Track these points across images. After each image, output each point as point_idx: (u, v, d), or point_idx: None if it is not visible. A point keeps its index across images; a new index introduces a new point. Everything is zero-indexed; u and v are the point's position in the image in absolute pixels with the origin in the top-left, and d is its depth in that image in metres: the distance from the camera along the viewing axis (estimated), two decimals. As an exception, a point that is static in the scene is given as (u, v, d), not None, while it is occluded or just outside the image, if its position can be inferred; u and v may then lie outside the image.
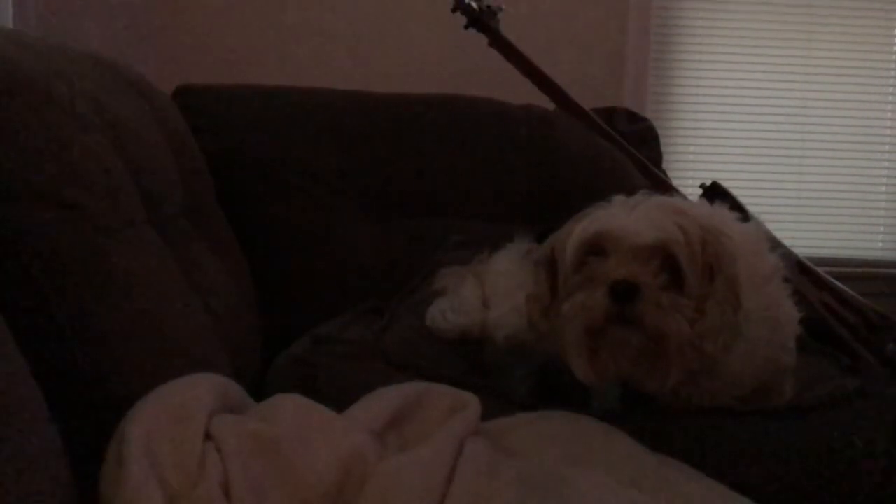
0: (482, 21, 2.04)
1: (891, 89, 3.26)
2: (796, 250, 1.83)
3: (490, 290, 1.48)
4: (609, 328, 1.06)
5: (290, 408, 0.90)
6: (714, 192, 1.86)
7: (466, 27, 2.08)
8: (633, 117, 2.42)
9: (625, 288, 1.04)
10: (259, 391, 1.01)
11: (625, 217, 1.08)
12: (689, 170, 3.10)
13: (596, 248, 1.09)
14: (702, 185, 1.92)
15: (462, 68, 2.69)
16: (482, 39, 2.09)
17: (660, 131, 2.44)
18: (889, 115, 3.27)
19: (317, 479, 0.78)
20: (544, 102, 2.13)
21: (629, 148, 1.99)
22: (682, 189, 1.96)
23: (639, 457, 1.03)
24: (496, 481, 0.86)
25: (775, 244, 1.49)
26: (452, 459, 0.85)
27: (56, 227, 1.01)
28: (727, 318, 1.09)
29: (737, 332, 1.13)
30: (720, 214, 1.36)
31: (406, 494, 0.80)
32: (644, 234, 1.05)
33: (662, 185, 1.93)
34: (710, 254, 1.08)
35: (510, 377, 1.35)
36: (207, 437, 0.81)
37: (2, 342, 0.76)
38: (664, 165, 2.31)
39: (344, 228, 1.87)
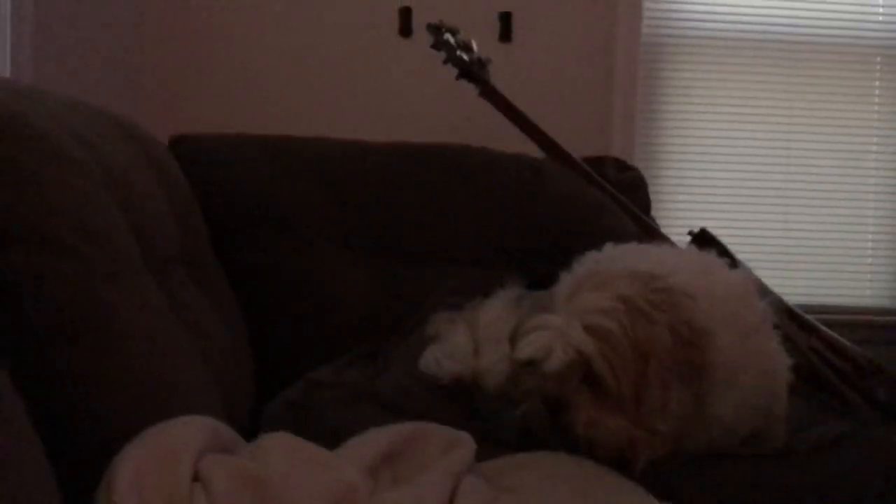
0: (472, 72, 2.08)
1: (874, 138, 3.31)
2: (784, 298, 1.85)
3: (481, 337, 1.49)
4: (552, 437, 1.13)
5: (279, 445, 0.90)
6: (702, 239, 1.89)
7: (458, 78, 2.12)
8: (622, 166, 2.45)
9: (552, 403, 1.12)
10: (253, 436, 1.01)
11: (544, 336, 1.13)
12: (677, 217, 3.13)
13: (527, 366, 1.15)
14: (690, 233, 1.94)
15: (453, 118, 2.73)
16: (473, 90, 2.13)
17: (648, 180, 2.47)
18: (873, 162, 3.32)
19: (305, 514, 0.78)
20: (534, 151, 2.17)
21: (619, 196, 2.02)
22: (670, 236, 1.99)
23: (635, 495, 1.04)
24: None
25: (764, 291, 1.51)
26: (448, 494, 0.85)
27: (53, 273, 1.02)
28: (673, 394, 1.13)
29: (704, 397, 1.17)
30: (707, 262, 1.38)
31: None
32: (555, 359, 1.11)
33: (651, 233, 1.96)
34: (641, 341, 1.12)
35: (501, 422, 1.35)
36: (196, 478, 0.81)
37: (7, 399, 0.76)
38: (653, 213, 2.34)
39: (335, 275, 1.88)
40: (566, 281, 1.30)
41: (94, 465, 0.87)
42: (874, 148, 3.32)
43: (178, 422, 0.87)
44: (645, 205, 2.30)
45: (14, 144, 1.04)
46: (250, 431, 1.29)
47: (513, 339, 1.21)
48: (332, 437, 0.99)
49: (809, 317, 1.84)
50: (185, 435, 0.84)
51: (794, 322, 1.75)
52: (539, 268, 1.62)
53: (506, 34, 3.05)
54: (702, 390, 1.17)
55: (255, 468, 0.83)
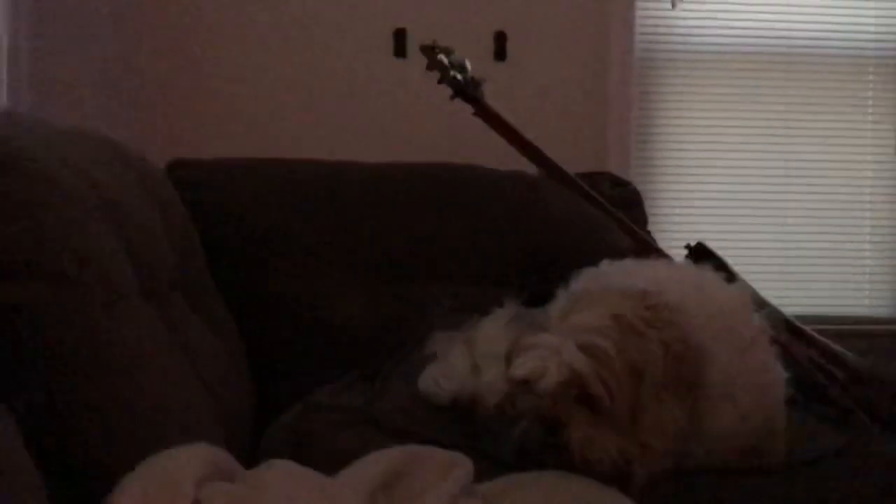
0: (466, 92, 2.09)
1: (869, 147, 3.33)
2: (782, 309, 1.85)
3: (479, 356, 1.49)
4: (548, 456, 1.14)
5: (279, 474, 0.91)
6: (699, 253, 1.89)
7: (452, 98, 2.14)
8: (618, 181, 2.46)
9: (548, 422, 1.13)
10: (251, 460, 1.02)
11: (539, 356, 1.14)
12: (673, 231, 3.14)
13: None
14: (687, 246, 1.94)
15: (449, 137, 2.74)
16: (468, 109, 2.15)
17: (644, 194, 2.48)
18: (868, 172, 3.33)
19: (307, 543, 0.79)
20: (530, 168, 2.18)
21: (615, 212, 2.03)
22: (667, 251, 1.99)
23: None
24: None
25: (761, 304, 1.51)
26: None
27: (50, 303, 1.03)
28: (668, 411, 1.14)
29: (700, 413, 1.18)
30: (702, 278, 1.39)
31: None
32: (549, 379, 1.12)
33: (648, 248, 1.96)
34: (634, 359, 1.13)
35: (499, 441, 1.35)
36: (197, 505, 0.81)
37: (4, 429, 0.77)
38: (649, 227, 2.35)
39: (333, 296, 1.88)
40: (562, 299, 1.31)
41: (93, 495, 0.87)
42: (869, 157, 3.33)
43: (179, 450, 0.88)
44: (641, 220, 2.30)
45: (9, 175, 1.05)
46: (249, 455, 1.29)
47: (509, 358, 1.21)
48: (331, 461, 1.00)
49: (808, 328, 1.84)
50: (186, 463, 0.85)
51: (792, 334, 1.75)
52: (537, 285, 1.63)
53: (500, 53, 3.07)
54: (698, 406, 1.18)
55: (255, 496, 0.84)
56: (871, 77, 3.32)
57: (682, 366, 1.15)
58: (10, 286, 1.00)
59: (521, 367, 1.15)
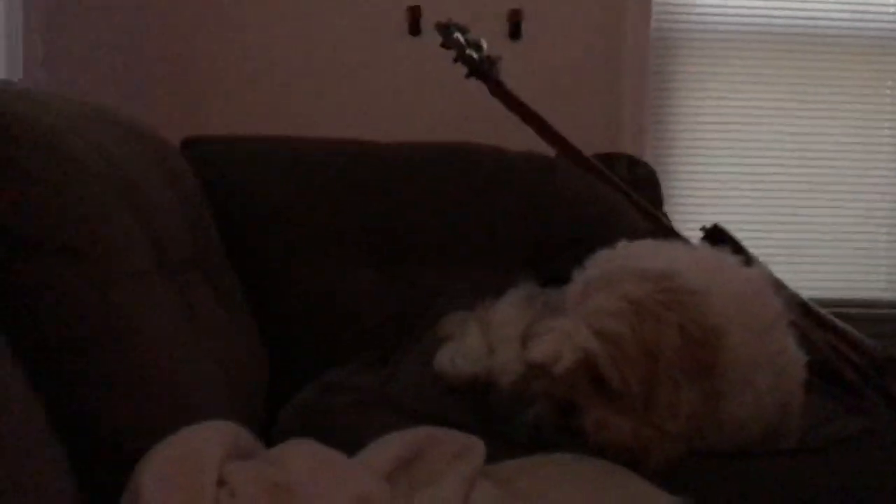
0: (482, 71, 2.08)
1: (887, 129, 3.30)
2: (799, 292, 1.84)
3: (494, 336, 1.49)
4: (562, 440, 1.15)
5: (302, 453, 0.91)
6: (715, 235, 1.88)
7: (468, 76, 2.12)
8: (634, 162, 2.45)
9: (563, 406, 1.13)
10: (266, 440, 1.02)
11: (553, 340, 1.14)
12: (689, 213, 3.12)
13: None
14: (703, 228, 1.93)
15: (464, 116, 2.73)
16: (484, 88, 2.13)
17: (660, 175, 2.47)
18: (887, 154, 3.30)
19: (331, 523, 0.79)
20: (545, 149, 2.16)
21: (631, 193, 2.02)
22: (683, 232, 1.98)
23: (650, 496, 1.04)
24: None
25: (779, 287, 1.50)
26: (463, 501, 0.86)
27: (67, 278, 1.03)
28: (684, 394, 1.13)
29: (717, 397, 1.17)
30: (720, 260, 1.37)
31: (421, 534, 0.81)
32: (563, 363, 1.11)
33: (664, 230, 1.95)
34: (649, 342, 1.12)
35: (515, 422, 1.35)
36: (220, 483, 0.81)
37: (20, 392, 0.77)
38: (665, 209, 2.33)
39: (347, 278, 1.88)
40: (578, 281, 1.30)
41: (112, 470, 0.88)
42: (887, 139, 3.30)
43: (201, 427, 0.88)
44: (657, 201, 2.29)
45: (26, 149, 1.05)
46: (262, 434, 1.29)
47: (524, 340, 1.21)
48: (346, 442, 0.99)
49: (824, 311, 1.83)
50: (209, 440, 0.85)
51: (809, 317, 1.74)
52: (552, 267, 1.62)
53: (515, 32, 3.05)
54: (714, 389, 1.17)
55: (278, 474, 0.84)
56: (890, 57, 3.28)
57: (698, 348, 1.14)
58: (27, 261, 1.00)
59: (537, 351, 1.15)
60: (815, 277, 3.21)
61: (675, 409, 1.13)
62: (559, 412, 1.14)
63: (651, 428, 1.13)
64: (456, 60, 2.12)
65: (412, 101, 3.04)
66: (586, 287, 1.22)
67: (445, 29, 2.14)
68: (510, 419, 1.35)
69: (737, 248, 1.71)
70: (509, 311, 1.51)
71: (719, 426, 1.22)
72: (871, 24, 3.24)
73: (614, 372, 1.11)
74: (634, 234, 1.56)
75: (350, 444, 1.01)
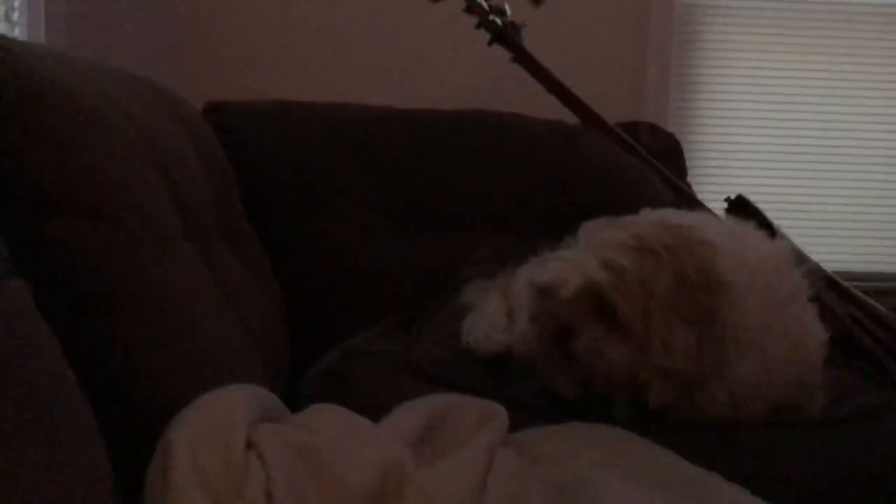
0: (506, 37, 2.06)
1: (915, 102, 3.25)
2: (823, 265, 1.82)
3: (515, 304, 1.49)
4: (559, 363, 1.21)
5: (329, 418, 0.92)
6: (739, 206, 1.86)
7: (490, 43, 2.10)
8: (657, 131, 2.43)
9: (561, 330, 1.18)
10: (289, 404, 1.03)
11: (562, 267, 1.20)
12: (713, 183, 3.10)
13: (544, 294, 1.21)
14: (727, 199, 1.91)
15: (487, 84, 2.71)
16: (506, 55, 2.11)
17: (683, 145, 2.45)
18: (913, 126, 3.26)
19: (358, 485, 0.80)
20: (568, 117, 2.15)
21: (654, 162, 2.00)
22: (706, 202, 1.96)
23: (667, 462, 1.04)
24: (528, 486, 0.89)
25: (802, 259, 1.49)
26: (486, 467, 0.88)
27: (98, 242, 1.03)
28: (677, 334, 1.16)
29: (724, 356, 1.20)
30: (744, 230, 1.37)
31: (447, 500, 0.83)
32: (569, 286, 1.17)
33: (687, 199, 1.94)
34: (643, 278, 1.16)
35: (534, 389, 1.36)
36: (248, 445, 0.82)
37: (52, 356, 0.78)
38: (688, 179, 2.32)
39: (371, 243, 1.89)
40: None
41: (141, 430, 0.89)
42: (914, 110, 3.26)
43: (230, 390, 0.89)
44: (681, 171, 2.28)
45: (57, 112, 1.05)
46: (287, 400, 1.30)
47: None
48: (370, 407, 1.00)
49: (849, 284, 1.82)
50: (238, 403, 0.86)
51: (833, 290, 1.73)
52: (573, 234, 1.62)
53: (538, -3, 3.01)
54: (723, 348, 1.20)
55: (307, 438, 0.85)
56: (921, 29, 3.22)
57: (697, 292, 1.17)
58: (58, 224, 1.01)
59: (543, 276, 1.21)
60: (838, 250, 3.19)
61: (667, 345, 1.16)
62: (558, 337, 1.19)
63: (644, 362, 1.16)
64: (479, 26, 2.10)
65: (433, 68, 3.02)
66: (599, 224, 1.27)
67: (468, -6, 2.11)
68: (529, 386, 1.36)
69: (761, 218, 1.70)
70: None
71: (724, 387, 1.22)
72: (903, -6, 3.19)
73: (617, 300, 1.16)
74: (658, 203, 1.56)
75: (372, 409, 1.02)
